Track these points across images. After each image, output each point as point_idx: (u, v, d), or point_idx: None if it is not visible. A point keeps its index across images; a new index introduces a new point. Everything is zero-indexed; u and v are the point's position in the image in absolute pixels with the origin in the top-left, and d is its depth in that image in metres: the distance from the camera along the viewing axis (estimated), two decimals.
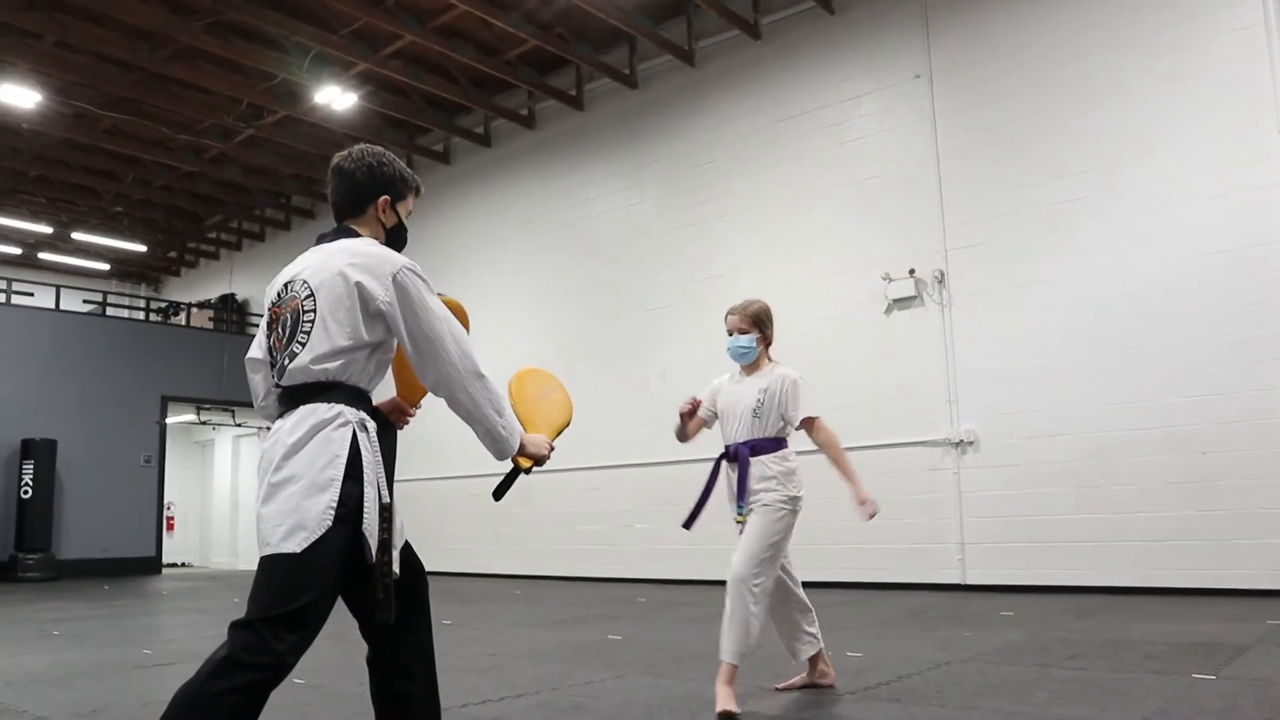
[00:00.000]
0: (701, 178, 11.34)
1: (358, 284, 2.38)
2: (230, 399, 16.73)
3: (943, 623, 6.67)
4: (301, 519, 2.26)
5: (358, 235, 2.57)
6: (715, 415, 4.53)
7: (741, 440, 4.33)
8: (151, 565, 15.75)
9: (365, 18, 10.85)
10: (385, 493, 2.38)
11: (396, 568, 2.42)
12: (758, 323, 4.48)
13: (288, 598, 2.25)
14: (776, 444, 4.35)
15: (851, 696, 4.15)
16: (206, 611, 9.52)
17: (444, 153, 14.57)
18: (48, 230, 18.30)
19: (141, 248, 19.44)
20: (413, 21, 11.09)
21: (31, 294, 15.94)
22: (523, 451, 2.55)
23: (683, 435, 4.56)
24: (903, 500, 9.12)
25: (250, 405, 14.09)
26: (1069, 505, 8.27)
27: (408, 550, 2.56)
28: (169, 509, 17.20)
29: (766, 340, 4.52)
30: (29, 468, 14.27)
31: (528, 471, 2.62)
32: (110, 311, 17.94)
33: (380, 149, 2.75)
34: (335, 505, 2.27)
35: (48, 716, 4.17)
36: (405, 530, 2.56)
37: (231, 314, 18.09)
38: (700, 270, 11.12)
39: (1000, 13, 9.22)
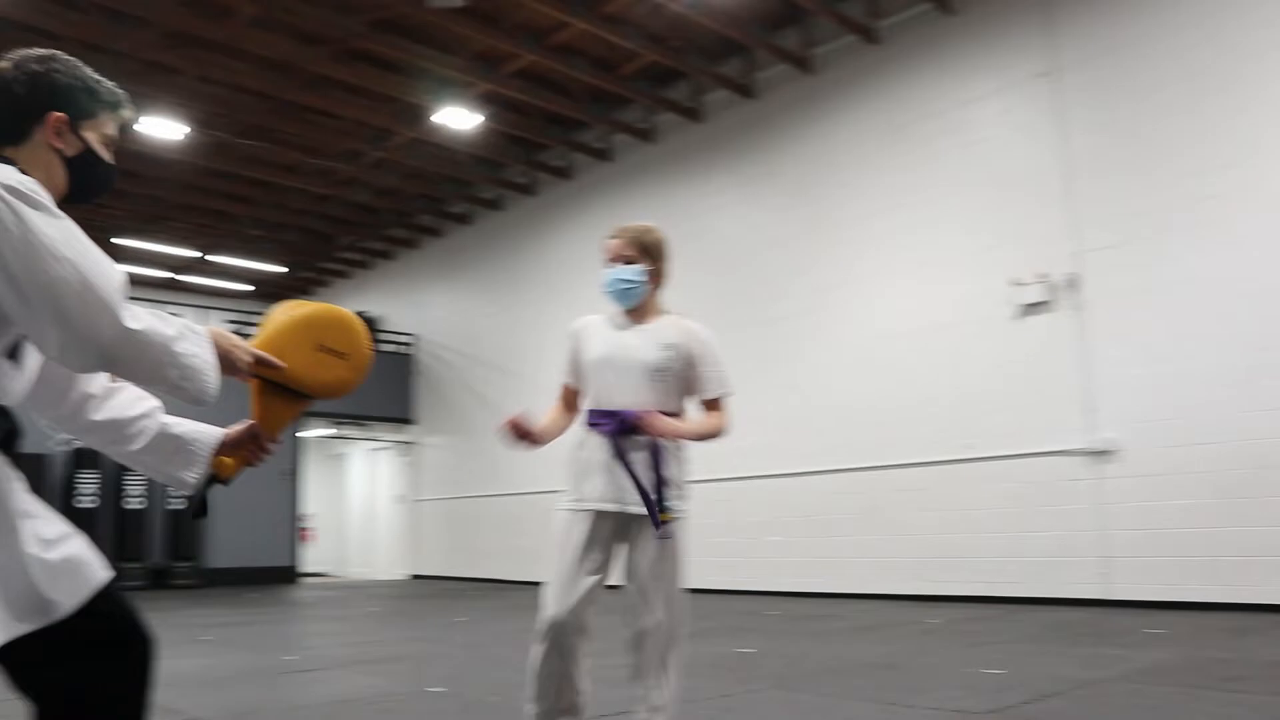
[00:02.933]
0: (822, 186, 11.20)
1: None
2: (362, 414, 17.27)
3: (1085, 639, 6.41)
4: None
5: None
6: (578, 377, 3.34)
7: (634, 408, 3.15)
8: (290, 574, 16.36)
9: (485, 40, 11.10)
10: None
11: None
12: (648, 251, 3.35)
13: None
14: None
15: (994, 715, 4.00)
16: (345, 619, 9.82)
17: (566, 168, 14.77)
18: (191, 254, 19.24)
19: (278, 268, 20.28)
20: (530, 41, 11.28)
21: (178, 315, 16.75)
22: (227, 364, 1.90)
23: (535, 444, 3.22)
24: (1038, 512, 8.82)
25: (383, 420, 14.30)
26: (1221, 517, 7.82)
27: (103, 602, 1.81)
28: (307, 520, 17.82)
29: (658, 277, 3.38)
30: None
31: (226, 481, 2.06)
32: (249, 330, 18.71)
33: (59, 53, 1.93)
34: None
35: (202, 717, 4.35)
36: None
37: None
38: (823, 278, 10.98)
39: (1126, 4, 8.86)
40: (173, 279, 20.54)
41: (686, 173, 12.88)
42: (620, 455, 3.09)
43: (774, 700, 4.56)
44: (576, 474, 3.17)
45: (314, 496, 18.37)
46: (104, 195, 2.02)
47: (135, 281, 17.83)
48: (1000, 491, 9.14)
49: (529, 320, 14.46)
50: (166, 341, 1.74)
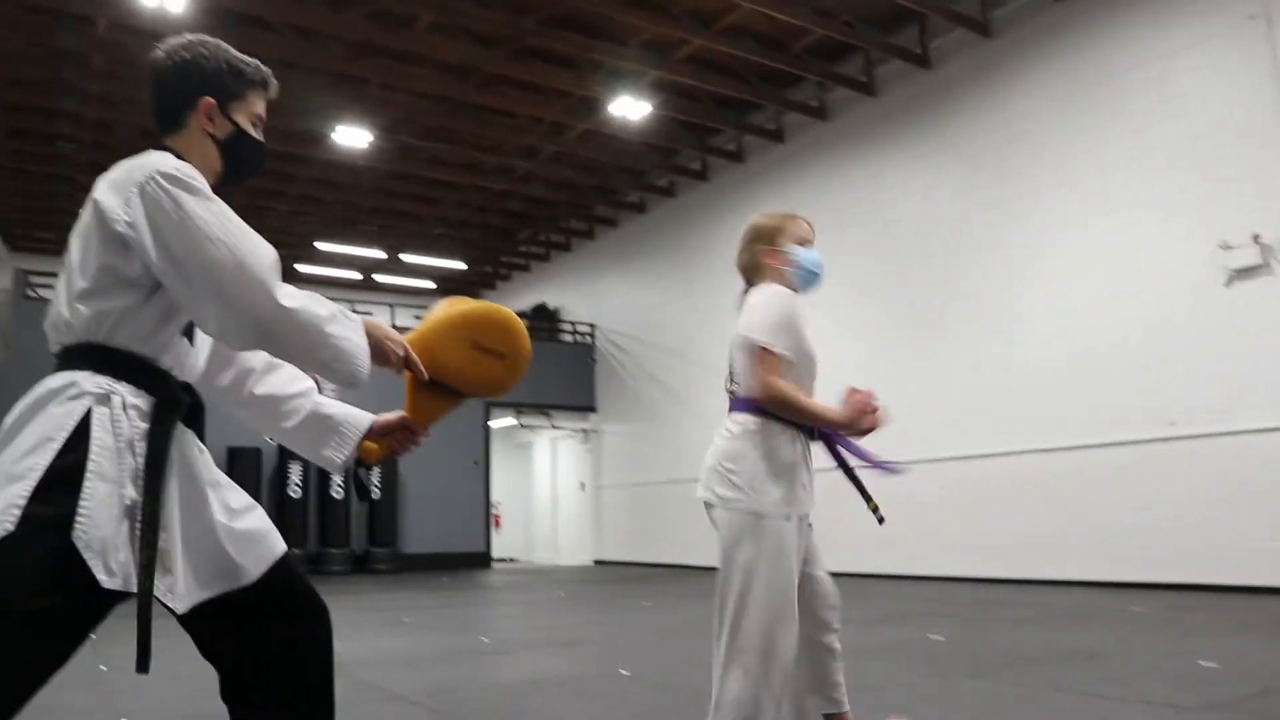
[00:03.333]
0: (1006, 154, 10.72)
1: (95, 201, 1.77)
2: (545, 403, 17.73)
3: None
4: None
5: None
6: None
7: None
8: (481, 560, 16.97)
9: (653, 28, 11.15)
10: (135, 492, 1.72)
11: (177, 604, 1.77)
12: None
13: None
14: None
15: (1208, 711, 3.74)
16: (534, 604, 10.11)
17: (737, 151, 14.70)
18: (381, 255, 20.18)
19: (461, 265, 21.03)
20: (699, 26, 11.26)
21: (370, 314, 17.57)
22: (380, 354, 1.92)
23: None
24: (1257, 493, 8.18)
25: (565, 409, 14.58)
26: None
27: (282, 572, 1.92)
28: (496, 507, 18.44)
29: None
30: (376, 471, 15.83)
31: (371, 466, 2.12)
32: None
33: (204, 37, 1.99)
34: (22, 503, 1.61)
35: (404, 695, 4.55)
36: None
37: (544, 322, 19.11)
38: (1009, 252, 10.51)
39: None
40: (366, 279, 21.61)
41: (861, 149, 12.59)
42: (809, 457, 2.89)
43: (969, 689, 4.41)
44: (781, 479, 2.77)
45: (501, 484, 18.98)
46: (257, 174, 2.08)
47: (331, 283, 18.94)
48: (1210, 471, 8.53)
49: (705, 306, 14.47)
50: (319, 322, 1.78)
